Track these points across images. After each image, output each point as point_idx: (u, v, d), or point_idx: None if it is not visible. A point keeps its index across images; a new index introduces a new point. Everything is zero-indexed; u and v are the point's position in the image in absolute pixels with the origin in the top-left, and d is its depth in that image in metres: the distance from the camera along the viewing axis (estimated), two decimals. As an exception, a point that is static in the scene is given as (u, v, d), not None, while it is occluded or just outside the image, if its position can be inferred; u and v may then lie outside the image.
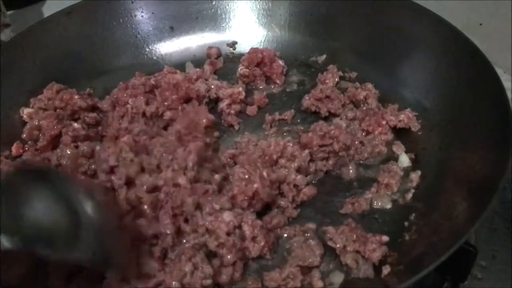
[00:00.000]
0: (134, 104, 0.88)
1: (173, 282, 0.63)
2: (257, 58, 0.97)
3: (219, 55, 1.06)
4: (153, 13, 1.05)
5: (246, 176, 0.72)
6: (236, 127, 0.91)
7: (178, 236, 0.67)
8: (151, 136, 0.78)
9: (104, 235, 0.56)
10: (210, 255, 0.67)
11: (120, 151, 0.72)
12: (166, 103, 0.88)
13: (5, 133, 0.85)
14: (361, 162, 0.82)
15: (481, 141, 0.72)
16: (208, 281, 0.63)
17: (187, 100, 0.91)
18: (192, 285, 0.63)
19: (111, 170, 0.71)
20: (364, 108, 0.89)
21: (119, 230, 0.62)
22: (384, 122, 0.85)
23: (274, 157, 0.78)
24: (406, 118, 0.84)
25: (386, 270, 0.65)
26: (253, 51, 0.98)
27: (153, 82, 0.92)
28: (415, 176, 0.78)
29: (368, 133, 0.85)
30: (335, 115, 0.89)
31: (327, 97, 0.89)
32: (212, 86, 0.95)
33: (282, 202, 0.75)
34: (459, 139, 0.77)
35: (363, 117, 0.87)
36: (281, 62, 0.99)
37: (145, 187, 0.70)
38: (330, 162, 0.82)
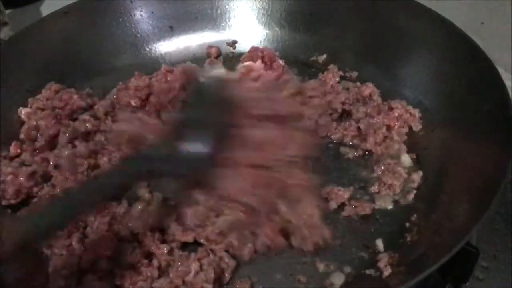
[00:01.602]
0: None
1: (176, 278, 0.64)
2: (257, 58, 0.96)
3: (219, 54, 1.06)
4: (152, 12, 1.05)
5: None
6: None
7: None
8: None
9: None
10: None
11: None
12: None
13: (4, 133, 0.84)
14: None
15: (483, 141, 0.72)
16: (209, 286, 0.64)
17: None
18: (193, 284, 0.63)
19: None
20: (371, 104, 0.88)
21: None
22: (396, 115, 0.84)
23: None
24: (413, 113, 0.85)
25: (387, 271, 0.64)
26: (253, 50, 0.98)
27: (155, 83, 0.91)
28: (416, 176, 0.77)
29: (388, 127, 0.84)
30: (348, 112, 0.88)
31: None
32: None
33: None
34: (460, 139, 0.77)
35: (377, 113, 0.85)
36: (281, 62, 0.98)
37: None
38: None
